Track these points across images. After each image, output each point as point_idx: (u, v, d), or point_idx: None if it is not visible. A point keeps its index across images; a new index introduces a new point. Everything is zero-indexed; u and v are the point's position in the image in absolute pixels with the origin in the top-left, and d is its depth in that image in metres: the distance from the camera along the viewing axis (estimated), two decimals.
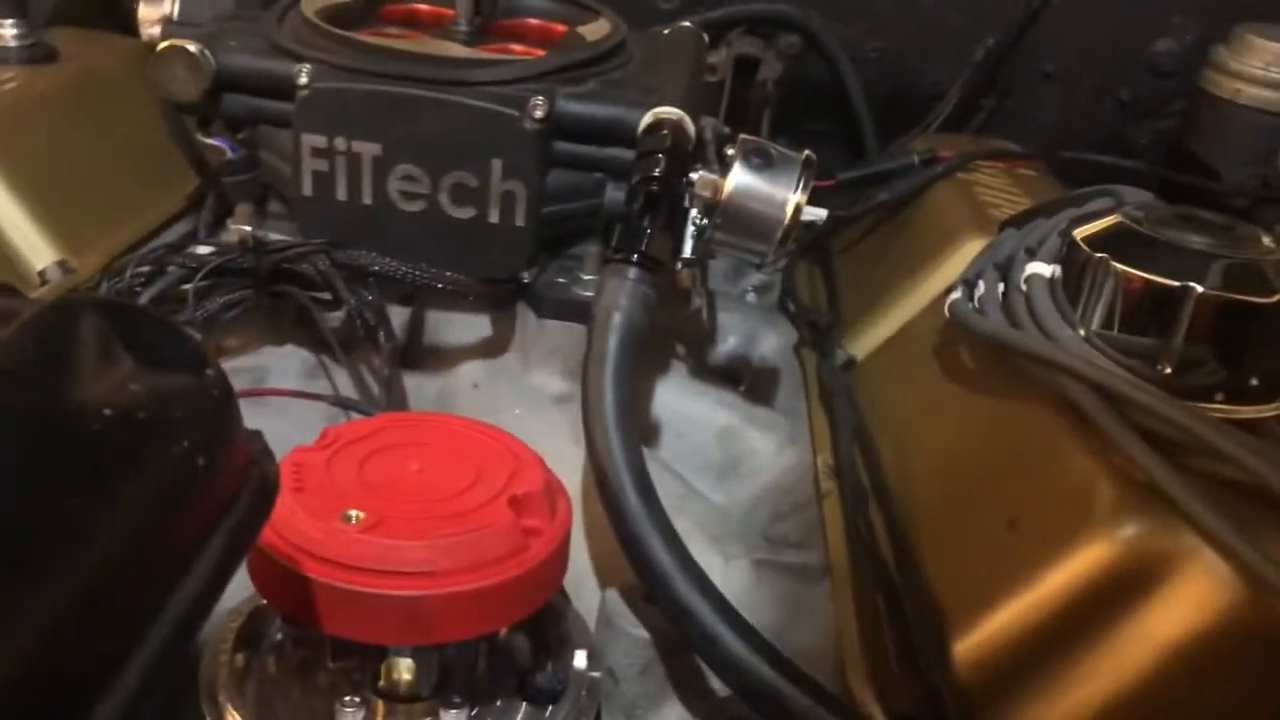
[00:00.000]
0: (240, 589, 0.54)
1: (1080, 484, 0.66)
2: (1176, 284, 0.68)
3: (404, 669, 0.60)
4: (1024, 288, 0.77)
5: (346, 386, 0.91)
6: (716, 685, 0.70)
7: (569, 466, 0.76)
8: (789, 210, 0.79)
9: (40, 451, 0.36)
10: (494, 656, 0.64)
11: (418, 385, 0.92)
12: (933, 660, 0.67)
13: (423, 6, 1.07)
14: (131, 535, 0.37)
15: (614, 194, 0.88)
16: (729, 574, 0.77)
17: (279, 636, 0.65)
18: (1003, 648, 0.65)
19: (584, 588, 0.77)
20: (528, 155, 0.85)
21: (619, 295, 0.74)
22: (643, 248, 0.75)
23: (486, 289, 0.88)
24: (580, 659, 0.65)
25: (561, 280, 0.92)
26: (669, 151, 0.79)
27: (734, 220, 0.80)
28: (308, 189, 0.87)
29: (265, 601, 0.63)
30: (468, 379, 0.92)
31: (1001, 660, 0.65)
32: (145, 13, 0.93)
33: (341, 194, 0.86)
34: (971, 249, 0.93)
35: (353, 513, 0.57)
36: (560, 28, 1.04)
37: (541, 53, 0.95)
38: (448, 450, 0.63)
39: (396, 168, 0.85)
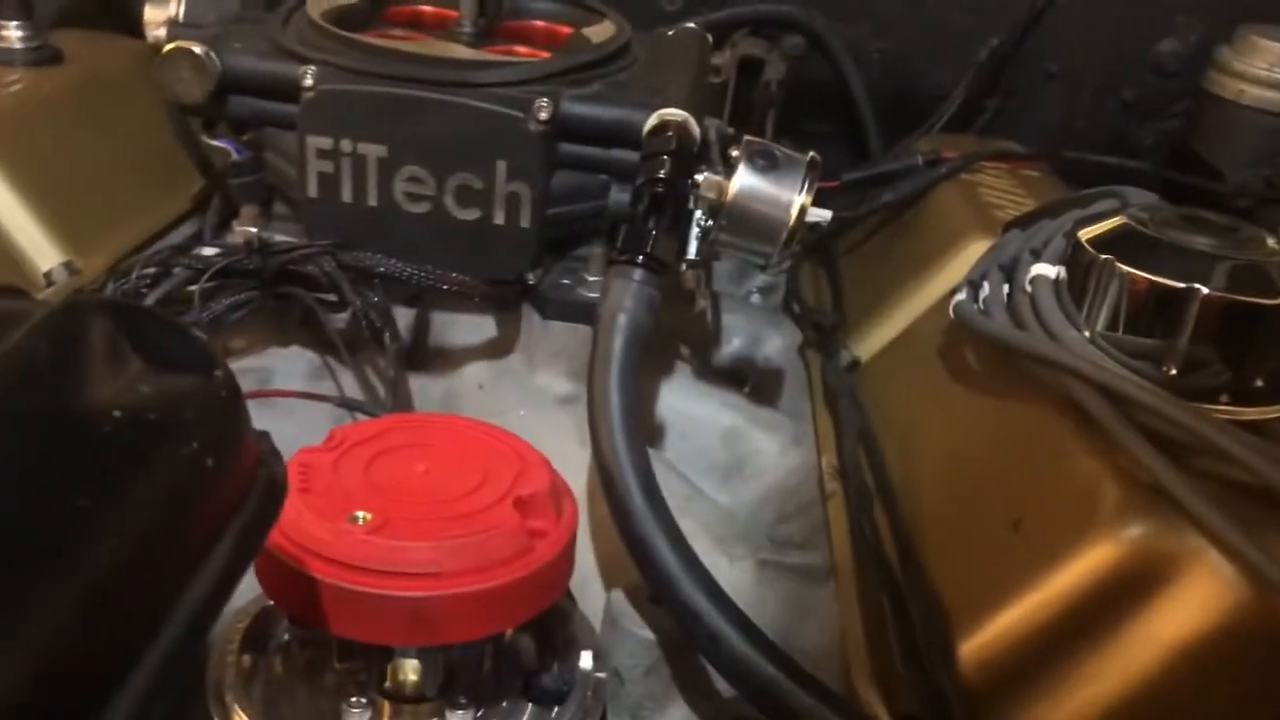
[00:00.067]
0: (247, 590, 0.54)
1: (1085, 485, 0.66)
2: (1181, 285, 0.68)
3: (410, 670, 0.60)
4: (1029, 289, 0.77)
5: (352, 388, 0.91)
6: (721, 686, 0.70)
7: (574, 468, 0.76)
8: (794, 212, 0.79)
9: (51, 453, 0.36)
10: (500, 657, 0.64)
11: (423, 386, 0.92)
12: (937, 661, 0.67)
13: (427, 8, 1.07)
14: (141, 536, 0.37)
15: (619, 195, 0.89)
16: (734, 575, 0.77)
17: (285, 637, 0.65)
18: (1007, 648, 0.65)
19: (589, 589, 0.77)
20: (533, 157, 0.85)
21: (624, 297, 0.74)
22: (648, 249, 0.75)
23: (491, 290, 0.88)
24: (586, 660, 0.65)
25: (566, 281, 0.93)
26: (674, 153, 0.79)
27: (739, 222, 0.80)
28: (313, 190, 0.87)
29: (272, 602, 0.63)
30: (473, 380, 0.92)
31: (1006, 661, 0.65)
32: (150, 15, 0.93)
33: (347, 195, 0.87)
34: (976, 250, 0.93)
35: (359, 514, 0.57)
36: (565, 29, 1.04)
37: (546, 54, 0.95)
38: (454, 452, 0.64)
39: (401, 169, 0.85)
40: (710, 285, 1.04)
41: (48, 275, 0.95)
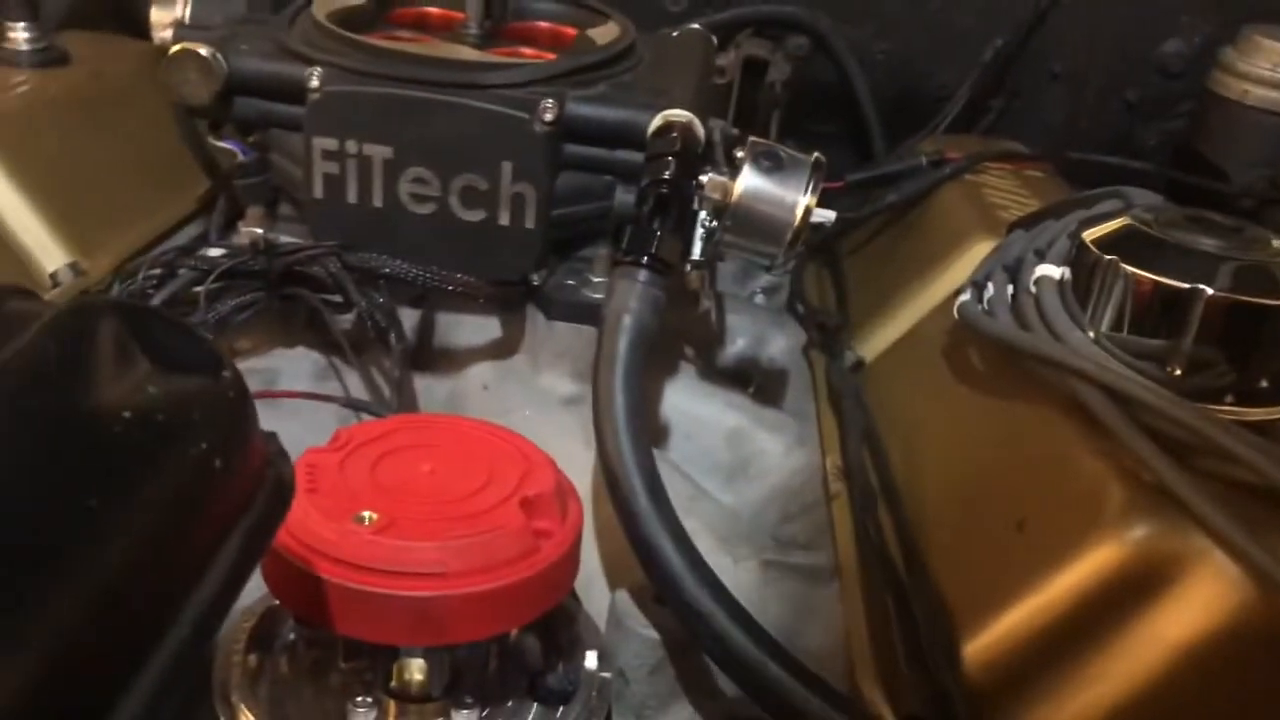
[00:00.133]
0: (253, 589, 0.55)
1: (1089, 485, 0.66)
2: (1186, 286, 0.68)
3: (416, 669, 0.61)
4: (1033, 289, 0.77)
5: (357, 388, 0.91)
6: (726, 686, 0.70)
7: (578, 468, 0.76)
8: (799, 213, 0.79)
9: (61, 453, 0.36)
10: (505, 657, 0.65)
11: (428, 387, 0.92)
12: (942, 661, 0.67)
13: (433, 10, 1.07)
14: (150, 537, 0.37)
15: (623, 196, 0.89)
16: (738, 575, 0.77)
17: (291, 637, 0.65)
18: (1012, 649, 0.65)
19: (594, 589, 0.78)
20: (538, 158, 0.85)
21: (629, 297, 0.74)
22: (653, 250, 0.76)
23: (496, 291, 0.88)
24: (591, 660, 0.65)
25: (571, 282, 0.93)
26: (678, 154, 0.80)
27: (744, 223, 0.80)
28: (319, 192, 0.87)
29: (278, 602, 0.63)
30: (478, 381, 0.93)
31: (1011, 661, 0.65)
32: (157, 16, 0.93)
33: (352, 197, 0.87)
34: (980, 250, 0.93)
35: (365, 514, 0.57)
36: (570, 31, 1.05)
37: (551, 56, 0.95)
38: (459, 452, 0.64)
39: (407, 170, 0.86)
40: (714, 286, 1.04)
41: (54, 276, 0.95)
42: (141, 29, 0.97)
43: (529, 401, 0.90)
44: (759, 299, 1.18)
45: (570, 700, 0.63)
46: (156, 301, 0.84)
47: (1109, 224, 0.77)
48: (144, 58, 1.08)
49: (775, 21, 1.39)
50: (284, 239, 0.90)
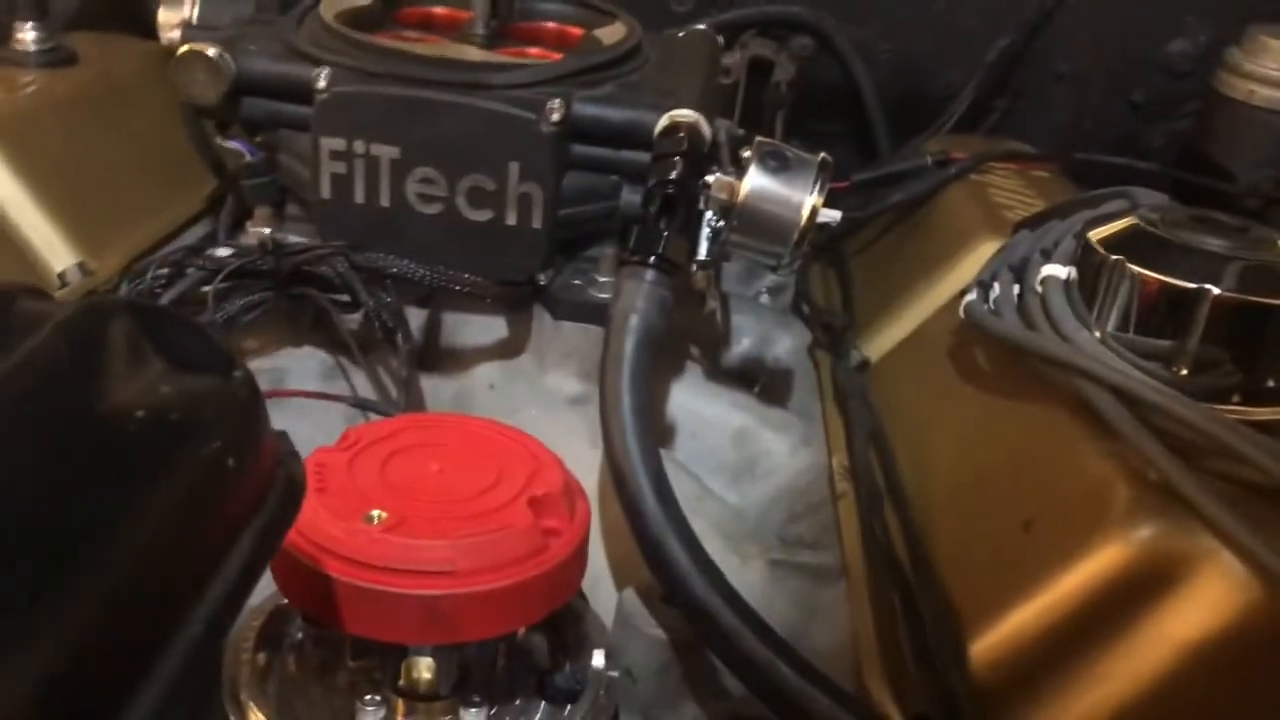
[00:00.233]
0: (260, 588, 0.55)
1: (1096, 485, 0.66)
2: (1192, 286, 0.68)
3: (424, 668, 0.61)
4: (1039, 289, 0.78)
5: (365, 388, 0.91)
6: (733, 685, 0.70)
7: (585, 468, 0.77)
8: (805, 213, 0.79)
9: (74, 452, 0.36)
10: (513, 656, 0.65)
11: (434, 386, 0.92)
12: (949, 661, 0.67)
13: (439, 10, 1.07)
14: (163, 535, 0.37)
15: (630, 196, 0.89)
16: (745, 574, 0.78)
17: (300, 635, 0.65)
18: (1019, 649, 0.65)
19: (600, 588, 0.78)
20: (544, 158, 0.85)
21: (636, 297, 0.74)
22: (660, 250, 0.76)
23: (503, 291, 0.89)
24: (598, 659, 0.65)
25: (577, 282, 0.93)
26: (685, 154, 0.80)
27: (750, 223, 0.80)
28: (326, 192, 0.87)
29: (286, 600, 0.63)
30: (484, 380, 0.93)
31: (1017, 661, 0.65)
32: (165, 17, 0.93)
33: (360, 197, 0.87)
34: (986, 250, 0.93)
35: (375, 513, 0.57)
36: (576, 31, 1.05)
37: (558, 56, 0.96)
38: (468, 451, 0.64)
39: (414, 170, 0.86)
40: (719, 286, 1.04)
41: (61, 276, 0.96)
42: (149, 29, 0.98)
43: (535, 401, 0.90)
44: (764, 299, 1.18)
45: (577, 699, 0.63)
46: (164, 301, 0.84)
47: (1115, 224, 0.77)
48: (151, 58, 1.09)
49: (780, 22, 1.39)
50: (292, 239, 0.91)
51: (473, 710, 0.61)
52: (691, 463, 0.88)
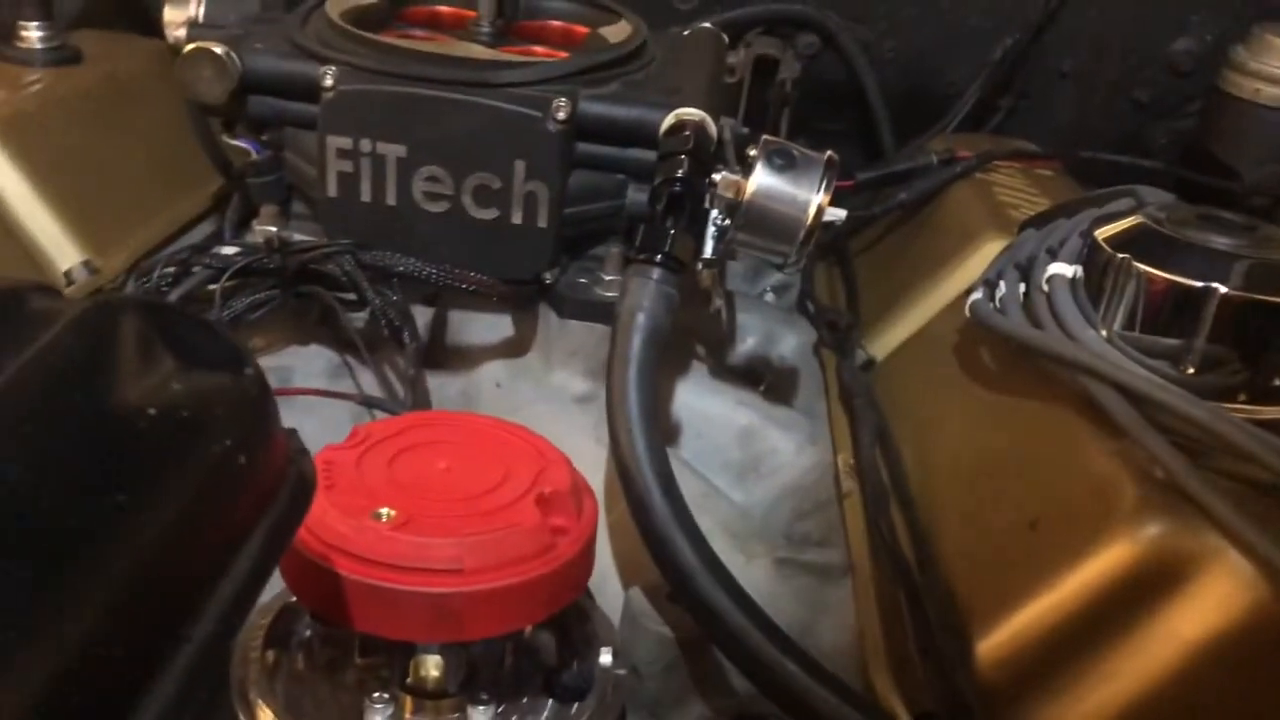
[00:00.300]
0: (269, 586, 0.55)
1: (1102, 484, 0.66)
2: (1199, 284, 0.68)
3: (432, 666, 0.61)
4: (1045, 288, 0.78)
5: (371, 386, 0.91)
6: (740, 683, 0.70)
7: (591, 466, 0.77)
8: (811, 211, 0.79)
9: (86, 450, 0.36)
10: (520, 654, 0.65)
11: (440, 385, 0.92)
12: (955, 659, 0.67)
13: (445, 8, 1.07)
14: (175, 533, 0.37)
15: (636, 195, 0.89)
16: (751, 573, 0.78)
17: (308, 633, 0.65)
18: (1025, 647, 0.65)
19: (607, 586, 0.78)
20: (550, 156, 0.85)
21: (643, 296, 0.74)
22: (666, 248, 0.76)
23: (509, 289, 0.89)
24: (605, 657, 0.65)
25: (583, 281, 0.93)
26: (691, 152, 0.80)
27: (756, 221, 0.80)
28: (333, 190, 0.87)
29: (294, 599, 0.63)
30: (490, 379, 0.93)
31: (1024, 659, 0.65)
32: (170, 15, 0.93)
33: (366, 195, 0.87)
34: (991, 249, 0.93)
35: (383, 510, 0.57)
36: (581, 29, 1.05)
37: (564, 54, 0.96)
38: (476, 449, 0.64)
39: (420, 169, 0.86)
40: (724, 284, 1.05)
41: (67, 274, 0.96)
42: (154, 28, 0.98)
43: (541, 399, 0.90)
44: (769, 297, 1.18)
45: (585, 697, 0.63)
46: (172, 299, 0.84)
47: (1121, 222, 0.77)
48: (157, 56, 1.09)
49: (785, 20, 1.39)
50: (298, 237, 0.91)
51: (480, 708, 0.61)
52: (697, 461, 0.88)
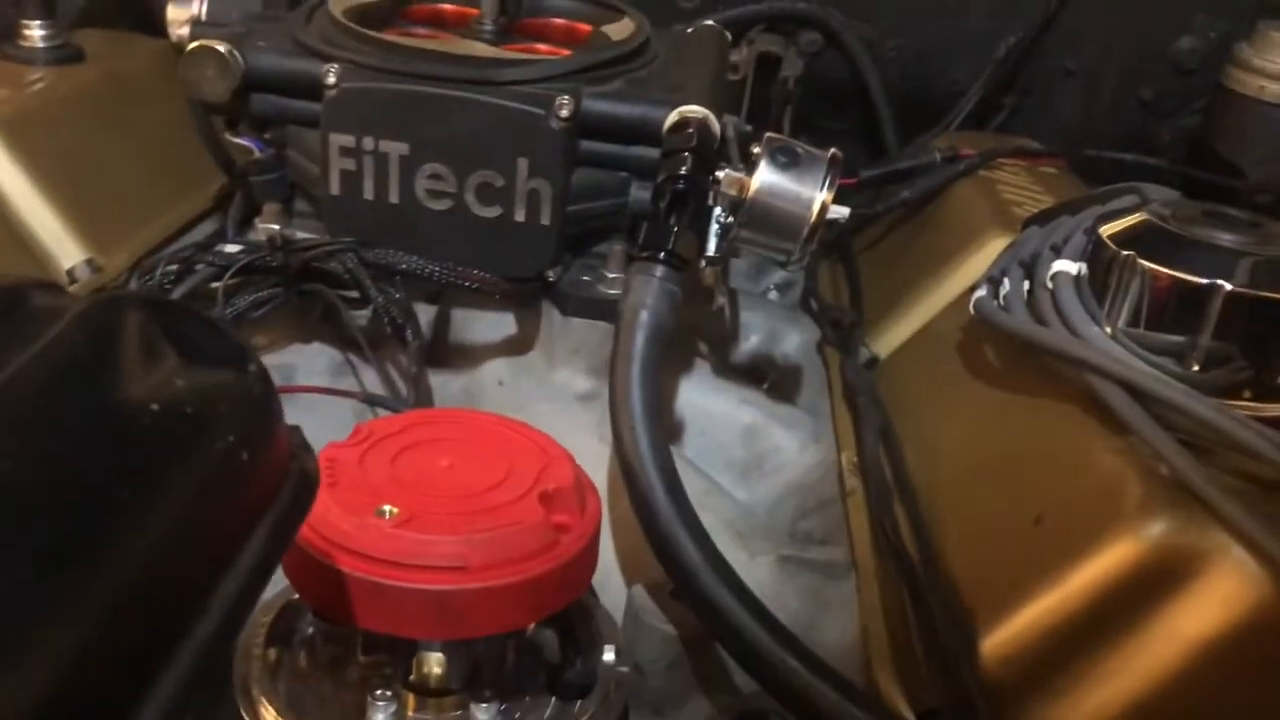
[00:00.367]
0: (272, 583, 0.55)
1: (1107, 481, 0.66)
2: (1204, 281, 0.68)
3: (435, 663, 0.61)
4: (1049, 285, 0.77)
5: (373, 384, 0.91)
6: (743, 680, 0.70)
7: (594, 464, 0.76)
8: (815, 208, 0.79)
9: (89, 446, 0.36)
10: (523, 652, 0.65)
11: (443, 382, 0.92)
12: (959, 656, 0.67)
13: (448, 6, 1.07)
14: (178, 529, 0.37)
15: (639, 193, 0.89)
16: (754, 570, 0.77)
17: (311, 631, 0.65)
18: (1029, 644, 0.65)
19: (610, 583, 0.78)
20: (553, 154, 0.85)
21: (646, 293, 0.74)
22: (670, 246, 0.76)
23: (512, 287, 0.89)
24: (608, 654, 0.65)
25: (586, 278, 0.93)
26: (695, 150, 0.80)
27: (760, 218, 0.80)
28: (335, 188, 0.87)
29: (297, 596, 0.63)
30: (493, 376, 0.93)
31: (1028, 657, 0.65)
32: (173, 13, 0.93)
33: (369, 193, 0.87)
34: (995, 247, 0.93)
35: (386, 507, 0.57)
36: (584, 27, 1.05)
37: (567, 52, 0.95)
38: (479, 446, 0.64)
39: (423, 167, 0.86)
40: (727, 282, 1.04)
41: (70, 273, 0.96)
42: (157, 26, 0.98)
43: (544, 397, 0.90)
44: (773, 295, 1.18)
45: (588, 695, 0.63)
46: (175, 297, 0.84)
47: (1126, 219, 0.77)
48: (159, 55, 1.09)
49: (788, 17, 1.39)
50: (300, 235, 0.91)
51: (483, 705, 0.61)
52: (700, 459, 0.88)
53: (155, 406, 0.38)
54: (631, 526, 0.70)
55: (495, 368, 0.93)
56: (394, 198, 0.87)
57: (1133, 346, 0.70)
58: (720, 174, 0.80)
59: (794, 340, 1.02)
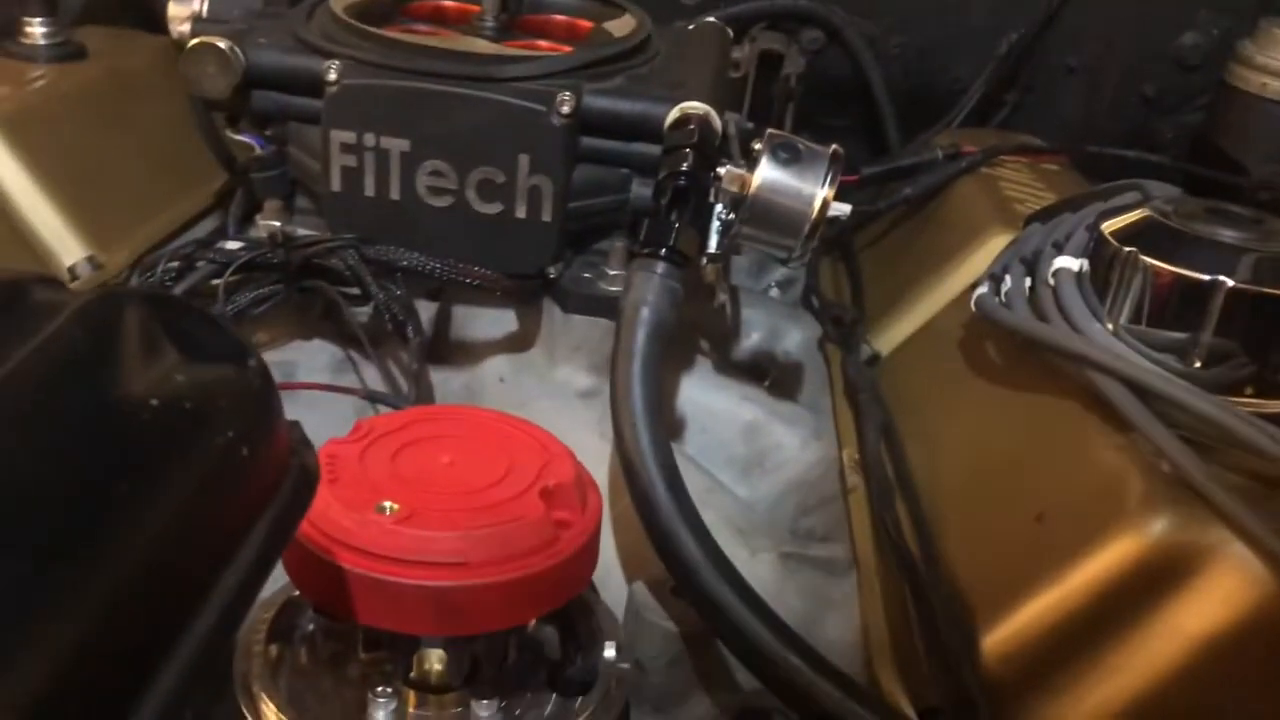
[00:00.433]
0: (272, 580, 0.55)
1: (1109, 478, 0.66)
2: (1206, 278, 0.68)
3: (435, 660, 0.61)
4: (1051, 282, 0.77)
5: (374, 380, 0.91)
6: (744, 677, 0.70)
7: (595, 460, 0.76)
8: (816, 205, 0.79)
9: (89, 441, 0.36)
10: (524, 648, 0.65)
11: (444, 379, 0.92)
12: (960, 654, 0.67)
13: (449, 3, 1.07)
14: (178, 525, 0.37)
15: (640, 189, 0.89)
16: (755, 567, 0.77)
17: (311, 627, 0.65)
18: (1031, 642, 0.65)
19: (611, 580, 0.78)
20: (554, 151, 0.85)
21: (647, 290, 0.74)
22: (670, 243, 0.76)
23: (513, 284, 0.88)
24: (609, 651, 0.65)
25: (587, 275, 0.93)
26: (696, 146, 0.80)
27: (761, 215, 0.80)
28: (336, 185, 0.87)
29: (297, 593, 0.63)
30: (494, 373, 0.93)
31: (1029, 654, 0.65)
32: (175, 10, 0.93)
33: (370, 190, 0.87)
34: (996, 243, 0.93)
35: (387, 504, 0.57)
36: (585, 23, 1.05)
37: (568, 49, 0.95)
38: (479, 443, 0.64)
39: (424, 163, 0.86)
40: (729, 279, 1.04)
41: (71, 269, 0.96)
42: (158, 23, 0.98)
43: (545, 394, 0.90)
44: (774, 292, 1.18)
45: (588, 691, 0.63)
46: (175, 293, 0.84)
47: (1128, 216, 0.77)
48: (161, 52, 1.09)
49: (790, 15, 1.39)
50: (301, 232, 0.90)
51: (484, 702, 0.61)
52: (701, 456, 0.88)
53: (155, 402, 0.38)
54: (632, 523, 0.70)
55: (496, 364, 0.93)
56: (395, 194, 0.87)
57: (1134, 343, 0.70)
58: (721, 170, 0.80)
59: (795, 337, 1.02)
